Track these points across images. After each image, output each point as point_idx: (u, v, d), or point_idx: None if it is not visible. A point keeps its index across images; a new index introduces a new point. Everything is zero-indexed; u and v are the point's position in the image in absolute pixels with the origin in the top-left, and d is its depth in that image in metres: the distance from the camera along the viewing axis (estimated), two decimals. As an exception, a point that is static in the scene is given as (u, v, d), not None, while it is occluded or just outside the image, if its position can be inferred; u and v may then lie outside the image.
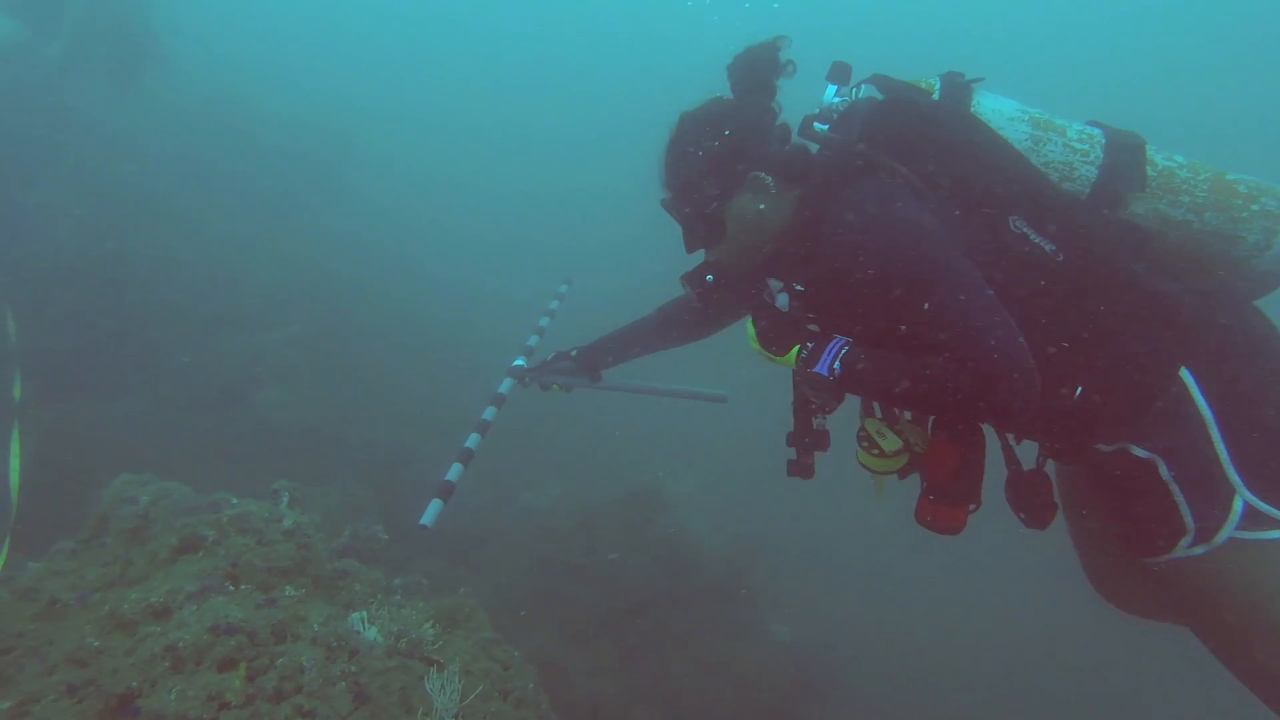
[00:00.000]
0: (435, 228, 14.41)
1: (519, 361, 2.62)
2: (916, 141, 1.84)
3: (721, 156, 1.90)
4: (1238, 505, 1.69)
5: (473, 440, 2.29)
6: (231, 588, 2.02)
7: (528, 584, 5.39)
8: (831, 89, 2.01)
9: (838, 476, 2.33)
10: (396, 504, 5.56)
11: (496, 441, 2.50)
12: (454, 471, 2.14)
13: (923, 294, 1.69)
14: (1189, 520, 1.72)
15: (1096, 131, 1.93)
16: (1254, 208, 1.85)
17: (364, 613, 2.35)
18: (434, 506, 1.99)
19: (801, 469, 2.13)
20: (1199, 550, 1.72)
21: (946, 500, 1.87)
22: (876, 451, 2.01)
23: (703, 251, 2.14)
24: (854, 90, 2.03)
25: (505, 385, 2.54)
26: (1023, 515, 1.96)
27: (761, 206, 1.93)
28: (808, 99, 2.06)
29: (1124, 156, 1.87)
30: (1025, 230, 1.78)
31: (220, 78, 9.97)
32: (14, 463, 3.63)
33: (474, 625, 2.60)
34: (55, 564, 2.22)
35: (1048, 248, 1.76)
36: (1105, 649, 6.81)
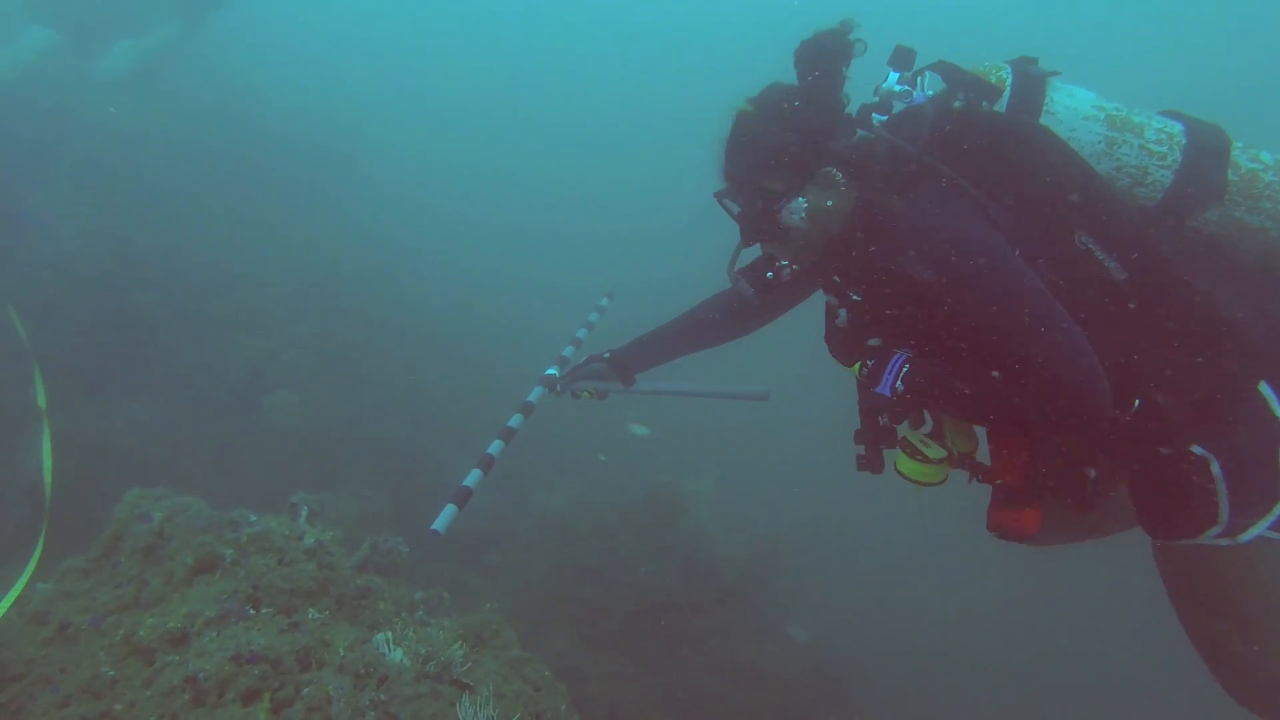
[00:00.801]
0: (456, 219, 14.03)
1: (551, 370, 2.51)
2: (984, 155, 1.77)
3: (795, 149, 1.80)
4: (1277, 509, 1.72)
5: (495, 447, 2.20)
6: (253, 611, 1.91)
7: (545, 588, 5.29)
8: (894, 75, 1.90)
9: (858, 475, 2.25)
10: (411, 507, 5.46)
11: (509, 444, 2.39)
12: (472, 478, 2.05)
13: (990, 309, 1.63)
14: (1224, 515, 1.73)
15: (1178, 128, 1.83)
16: None
17: (389, 633, 2.25)
18: (448, 512, 1.90)
19: (870, 463, 2.09)
20: (1224, 542, 1.74)
21: (1019, 503, 1.81)
22: (920, 458, 1.97)
23: (756, 247, 2.06)
24: (917, 78, 1.94)
25: (535, 394, 2.44)
26: (1069, 500, 1.91)
27: (830, 203, 1.83)
28: (859, 80, 1.94)
29: (1204, 161, 1.79)
30: (1090, 247, 1.72)
31: (230, 66, 9.73)
32: (47, 464, 3.55)
33: (502, 643, 2.50)
34: (66, 584, 2.12)
35: (1111, 265, 1.71)
36: (1133, 640, 6.71)
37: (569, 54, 25.11)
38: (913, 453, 1.99)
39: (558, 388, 2.46)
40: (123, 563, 2.10)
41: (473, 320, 9.02)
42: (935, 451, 1.96)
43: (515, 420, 2.32)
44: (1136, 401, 1.74)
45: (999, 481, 1.85)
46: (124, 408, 5.37)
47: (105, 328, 5.71)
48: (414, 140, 16.20)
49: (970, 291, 1.64)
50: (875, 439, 2.04)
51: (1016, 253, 1.71)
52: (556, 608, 5.23)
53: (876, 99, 1.90)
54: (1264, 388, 1.74)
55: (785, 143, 1.79)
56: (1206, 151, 1.80)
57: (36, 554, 2.55)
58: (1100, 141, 1.81)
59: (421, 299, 8.78)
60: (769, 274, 2.01)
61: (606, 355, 2.46)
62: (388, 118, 14.15)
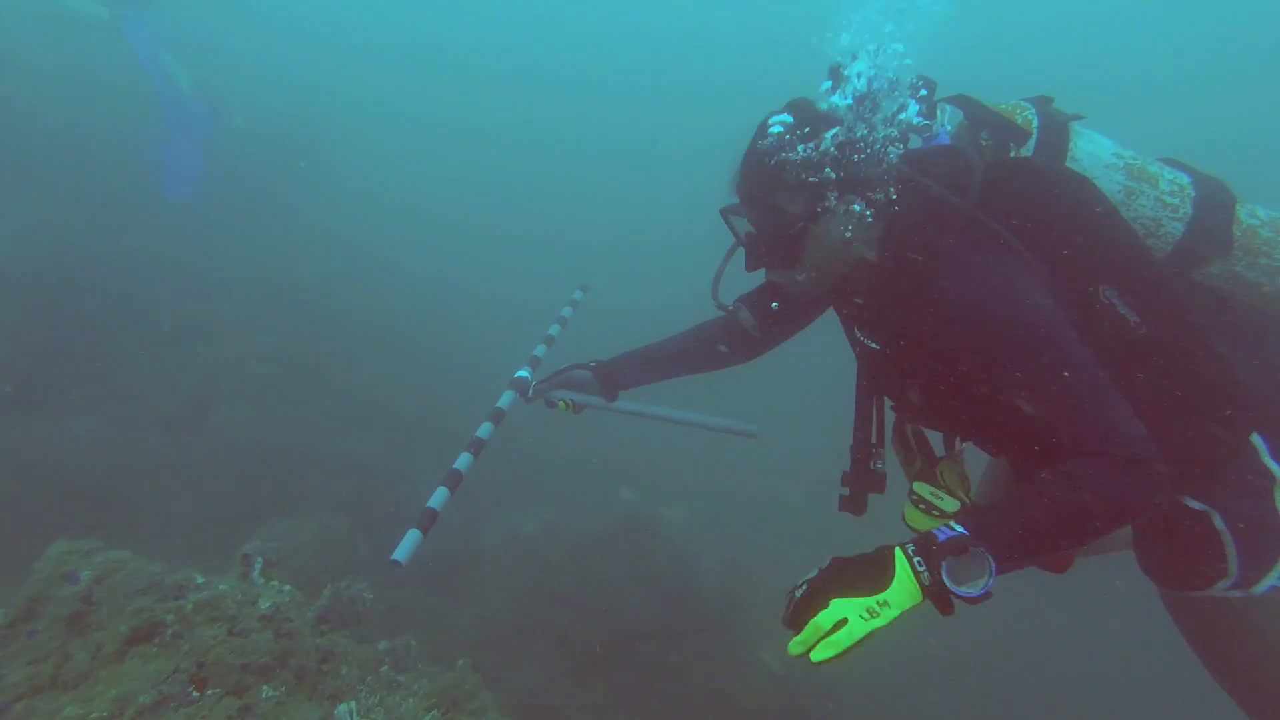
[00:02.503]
0: (426, 227, 13.54)
1: (522, 373, 2.29)
2: (1033, 207, 1.69)
3: (820, 172, 1.63)
4: None
5: (463, 461, 1.98)
6: (196, 694, 1.67)
7: (517, 616, 5.06)
8: (913, 107, 1.76)
9: (833, 512, 2.14)
10: (375, 529, 5.18)
11: (478, 458, 2.17)
12: (438, 497, 1.83)
13: (1040, 377, 1.52)
14: (1234, 568, 1.71)
15: (1185, 180, 1.84)
16: None
17: (353, 704, 2.02)
18: (411, 538, 1.67)
19: (853, 504, 2.02)
20: (1236, 594, 1.74)
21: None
22: (936, 514, 1.90)
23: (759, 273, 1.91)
24: (935, 110, 1.85)
25: (505, 399, 2.21)
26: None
27: (849, 235, 1.66)
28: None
29: (1212, 214, 1.81)
30: (1113, 301, 1.67)
31: (193, 61, 9.30)
32: None
33: (477, 707, 2.27)
34: (-25, 656, 1.84)
35: (1132, 319, 1.67)
36: (1124, 671, 6.70)
37: (560, 61, 24.73)
38: (928, 509, 1.91)
39: (530, 393, 2.24)
40: (41, 632, 1.83)
41: (443, 331, 8.72)
42: (949, 505, 1.89)
43: (485, 430, 2.10)
44: None
45: None
46: (66, 424, 5.00)
47: (45, 335, 5.33)
48: (386, 145, 15.74)
49: (1019, 354, 1.53)
50: (863, 484, 1.99)
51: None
52: (529, 636, 5.00)
53: (894, 130, 1.74)
54: (1255, 439, 1.72)
55: (810, 163, 1.61)
56: (1214, 206, 1.81)
57: None
58: (1120, 191, 1.79)
59: (389, 308, 8.44)
60: (774, 305, 1.88)
61: (592, 364, 2.26)
62: (358, 122, 13.72)
